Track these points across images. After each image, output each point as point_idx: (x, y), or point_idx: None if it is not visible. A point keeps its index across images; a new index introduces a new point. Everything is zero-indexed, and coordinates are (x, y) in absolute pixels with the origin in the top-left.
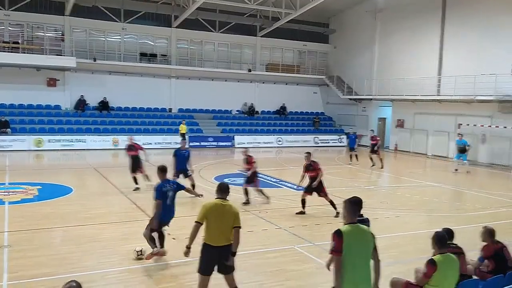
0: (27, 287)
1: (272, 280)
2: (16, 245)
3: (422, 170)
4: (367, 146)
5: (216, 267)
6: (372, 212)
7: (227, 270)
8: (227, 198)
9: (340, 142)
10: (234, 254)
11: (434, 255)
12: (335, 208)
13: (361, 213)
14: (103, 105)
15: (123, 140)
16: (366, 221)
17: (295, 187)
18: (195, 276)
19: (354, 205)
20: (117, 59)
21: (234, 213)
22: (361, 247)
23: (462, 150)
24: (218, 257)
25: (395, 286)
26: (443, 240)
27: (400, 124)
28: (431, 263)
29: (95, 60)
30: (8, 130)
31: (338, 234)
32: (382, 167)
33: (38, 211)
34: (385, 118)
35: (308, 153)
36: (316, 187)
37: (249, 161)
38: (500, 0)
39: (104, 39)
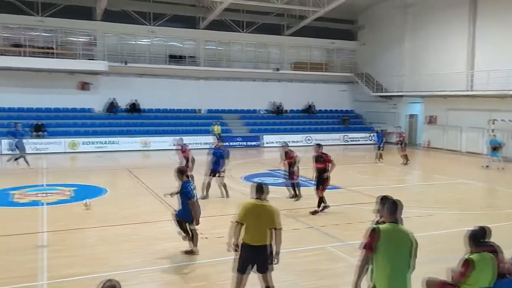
0: (65, 286)
1: (305, 279)
2: (54, 245)
3: (456, 167)
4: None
5: (255, 267)
6: (404, 211)
7: (263, 269)
8: (266, 198)
9: (371, 140)
10: (277, 253)
11: (469, 253)
12: (319, 205)
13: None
14: (134, 108)
15: (153, 142)
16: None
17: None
18: (226, 275)
19: (394, 205)
20: (147, 62)
21: (271, 213)
22: (397, 248)
23: (496, 148)
24: (255, 256)
25: (429, 285)
26: (479, 238)
27: (432, 120)
28: (467, 262)
29: (125, 63)
30: (45, 133)
31: (374, 231)
32: (406, 164)
33: (74, 211)
34: (415, 115)
35: (318, 144)
36: (321, 180)
37: (288, 156)
38: None
39: (134, 42)
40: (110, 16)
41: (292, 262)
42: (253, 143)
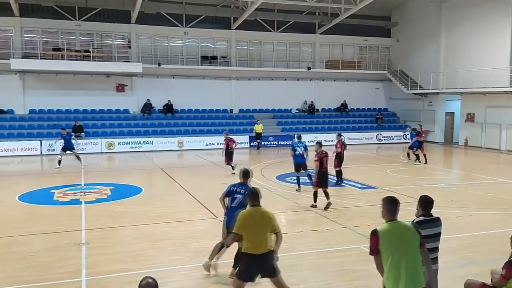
0: (104, 282)
1: (339, 279)
2: (93, 243)
3: (496, 166)
4: (436, 142)
5: (259, 275)
6: (443, 211)
7: (272, 273)
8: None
9: (405, 139)
10: (276, 258)
11: None
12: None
13: (431, 212)
14: (168, 108)
15: (188, 142)
16: (436, 220)
17: (359, 185)
18: None
19: (392, 204)
20: (180, 63)
21: (269, 219)
22: (402, 244)
23: None
24: (261, 264)
25: (470, 287)
26: None
27: (470, 118)
28: (510, 266)
29: (159, 65)
30: (83, 134)
31: (373, 234)
32: (426, 162)
33: (111, 210)
34: (453, 113)
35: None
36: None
37: (337, 145)
38: None
39: (167, 44)
40: (145, 18)
41: (326, 262)
42: (285, 142)
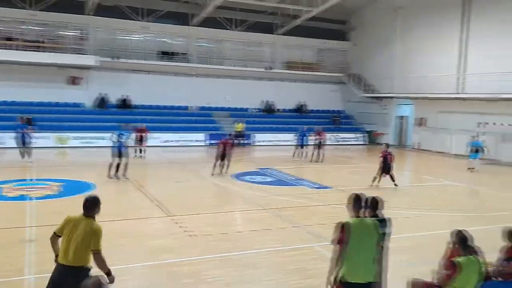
0: None
1: (292, 278)
2: (42, 240)
3: (445, 169)
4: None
5: None
6: (393, 212)
7: None
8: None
9: (359, 140)
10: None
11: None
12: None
13: (377, 212)
14: (124, 103)
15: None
16: (385, 221)
17: (315, 185)
18: (215, 272)
19: (358, 201)
20: (138, 57)
21: (91, 232)
22: (363, 239)
23: (477, 150)
24: (65, 277)
25: (414, 286)
26: (466, 241)
27: (422, 122)
28: (454, 265)
29: (118, 58)
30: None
31: (341, 226)
32: (322, 161)
33: (62, 206)
34: (405, 116)
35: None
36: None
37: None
38: None
39: (125, 38)
40: (102, 10)
41: (280, 261)
42: (237, 141)
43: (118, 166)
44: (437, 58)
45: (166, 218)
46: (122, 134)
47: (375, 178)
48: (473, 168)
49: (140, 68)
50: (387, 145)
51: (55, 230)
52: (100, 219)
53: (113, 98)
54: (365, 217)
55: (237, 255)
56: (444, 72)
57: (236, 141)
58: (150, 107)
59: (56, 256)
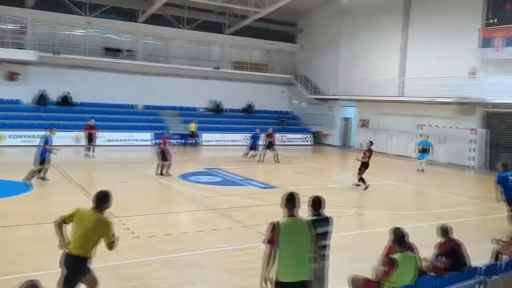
0: None
1: (237, 277)
2: None
3: (385, 169)
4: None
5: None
6: (336, 210)
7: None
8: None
9: (306, 141)
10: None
11: (389, 251)
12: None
13: (319, 211)
14: (65, 101)
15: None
16: (327, 220)
17: (261, 185)
18: (158, 274)
19: (291, 200)
20: (81, 53)
21: (101, 226)
22: (295, 239)
23: (425, 150)
24: (72, 266)
25: (354, 283)
26: (402, 238)
27: (364, 124)
28: (391, 262)
29: (58, 54)
30: None
31: (273, 226)
32: (278, 162)
33: None
34: (349, 118)
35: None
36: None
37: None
38: (461, 6)
39: (67, 33)
40: (44, 4)
41: (225, 261)
42: (191, 141)
43: (40, 171)
44: (380, 61)
45: (111, 219)
46: (45, 139)
47: (360, 179)
48: (422, 170)
49: (83, 64)
50: (371, 143)
51: (63, 216)
52: (35, 221)
53: (54, 95)
54: (314, 215)
55: (182, 256)
56: (387, 75)
57: (190, 141)
58: (93, 105)
59: (65, 244)
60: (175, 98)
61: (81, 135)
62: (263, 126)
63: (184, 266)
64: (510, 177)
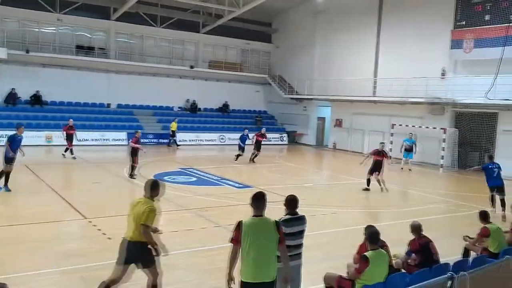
0: None
1: (210, 278)
2: None
3: (359, 168)
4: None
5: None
6: (310, 209)
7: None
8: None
9: (282, 141)
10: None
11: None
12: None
13: (296, 210)
14: (36, 99)
15: (58, 137)
16: (302, 218)
17: (236, 184)
18: (133, 276)
19: (257, 200)
20: (52, 51)
21: (145, 210)
22: (260, 239)
23: (410, 149)
24: (129, 251)
25: (328, 280)
26: (375, 235)
27: (338, 123)
28: (364, 259)
29: (27, 51)
30: None
31: (237, 225)
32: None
33: None
34: (324, 118)
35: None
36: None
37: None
38: (432, 9)
39: (38, 30)
40: (12, 0)
41: (199, 261)
42: (166, 140)
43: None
44: (354, 62)
45: (82, 221)
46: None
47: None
48: (409, 170)
49: (54, 62)
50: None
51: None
52: (6, 223)
53: (25, 93)
54: (289, 214)
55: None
56: (362, 75)
57: (171, 140)
58: (65, 103)
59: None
60: (150, 97)
61: (52, 134)
62: (238, 126)
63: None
64: (495, 169)
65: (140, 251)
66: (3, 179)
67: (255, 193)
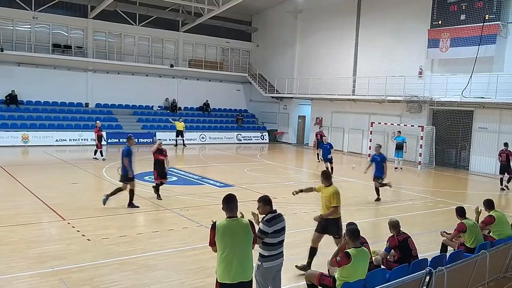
0: None
1: (193, 277)
2: None
3: (339, 166)
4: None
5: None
6: (291, 207)
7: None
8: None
9: (263, 139)
10: None
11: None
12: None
13: (273, 208)
14: (11, 99)
15: (34, 137)
16: (280, 216)
17: (218, 183)
18: (110, 277)
19: (230, 201)
20: (27, 49)
21: (331, 194)
22: (235, 240)
23: (400, 147)
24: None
25: (309, 278)
26: (356, 233)
27: (318, 122)
28: (346, 256)
29: (2, 50)
30: None
31: (212, 227)
32: None
33: None
34: (304, 116)
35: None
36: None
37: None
38: (409, 8)
39: (12, 28)
40: None
41: (181, 261)
42: (146, 140)
43: None
44: (334, 61)
45: (61, 222)
46: None
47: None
48: (400, 168)
49: (30, 61)
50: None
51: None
52: None
53: (0, 93)
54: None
55: (136, 258)
56: (342, 74)
57: (178, 140)
58: (42, 103)
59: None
60: (129, 97)
61: (28, 135)
62: (219, 125)
63: (139, 268)
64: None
65: (332, 225)
66: None
67: (226, 195)
